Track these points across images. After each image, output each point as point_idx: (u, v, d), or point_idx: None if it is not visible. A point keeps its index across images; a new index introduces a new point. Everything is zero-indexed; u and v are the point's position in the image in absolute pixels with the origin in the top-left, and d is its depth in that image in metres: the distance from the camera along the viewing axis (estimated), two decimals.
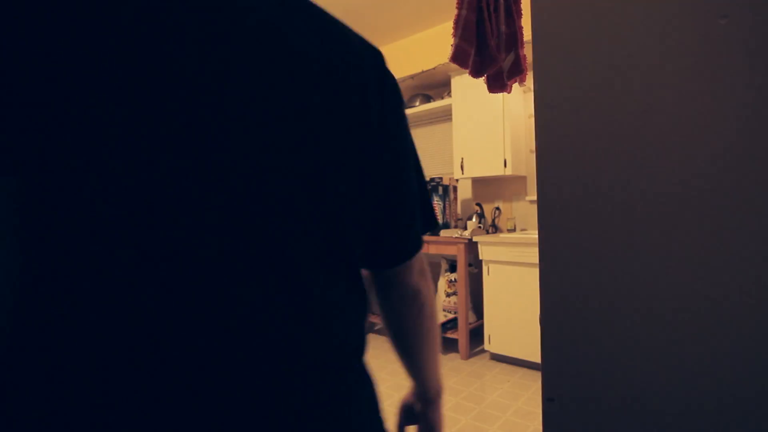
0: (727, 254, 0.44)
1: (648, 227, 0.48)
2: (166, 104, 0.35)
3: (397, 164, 0.53)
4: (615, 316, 0.51)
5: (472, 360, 2.90)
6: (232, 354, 0.37)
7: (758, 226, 0.43)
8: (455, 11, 1.38)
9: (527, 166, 3.11)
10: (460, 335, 2.93)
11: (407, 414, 0.70)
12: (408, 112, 3.52)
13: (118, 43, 0.34)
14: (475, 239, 2.87)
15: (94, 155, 0.34)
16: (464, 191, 3.59)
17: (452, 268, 3.31)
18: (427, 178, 3.50)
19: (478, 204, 3.28)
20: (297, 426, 0.41)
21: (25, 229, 0.34)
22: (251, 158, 0.39)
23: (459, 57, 1.38)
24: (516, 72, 1.44)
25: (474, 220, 3.17)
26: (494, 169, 3.02)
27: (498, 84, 1.50)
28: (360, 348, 0.49)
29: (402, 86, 3.69)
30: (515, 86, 2.64)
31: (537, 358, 2.58)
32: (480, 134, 3.09)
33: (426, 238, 3.03)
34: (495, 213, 3.30)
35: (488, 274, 2.82)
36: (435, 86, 3.68)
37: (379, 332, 3.63)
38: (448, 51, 1.40)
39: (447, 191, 3.34)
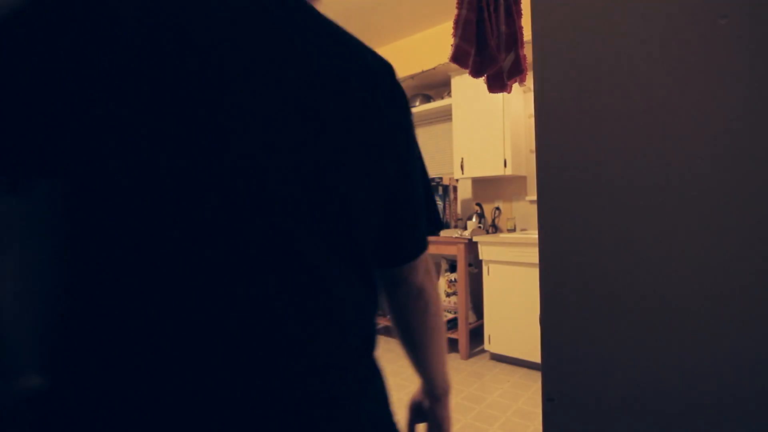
0: (727, 254, 0.44)
1: (648, 227, 0.48)
2: (175, 108, 0.37)
3: (404, 170, 0.55)
4: (615, 316, 0.51)
5: (472, 360, 2.90)
6: (246, 348, 0.39)
7: (758, 226, 0.43)
8: (455, 11, 1.38)
9: (527, 166, 3.11)
10: (460, 335, 2.93)
11: (416, 412, 0.71)
12: None
13: (126, 48, 0.35)
14: (475, 239, 2.87)
15: (107, 157, 0.35)
16: (464, 191, 3.59)
17: (452, 268, 3.31)
18: None
19: (478, 204, 3.28)
20: (309, 419, 0.42)
21: (71, 225, 0.37)
22: (260, 159, 0.40)
23: (459, 57, 1.38)
24: (516, 72, 1.44)
25: (474, 220, 3.17)
26: (494, 169, 3.02)
27: (498, 84, 1.50)
28: (371, 342, 0.51)
29: (402, 86, 3.68)
30: (515, 86, 2.64)
31: (537, 358, 2.58)
32: (480, 134, 3.09)
33: None
34: (495, 213, 3.30)
35: (488, 274, 2.82)
36: (435, 86, 3.68)
37: (378, 332, 3.63)
38: (448, 51, 1.40)
39: (447, 191, 3.34)
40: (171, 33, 0.37)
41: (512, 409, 2.19)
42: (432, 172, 3.84)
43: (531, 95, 3.06)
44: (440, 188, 3.29)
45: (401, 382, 2.56)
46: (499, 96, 2.90)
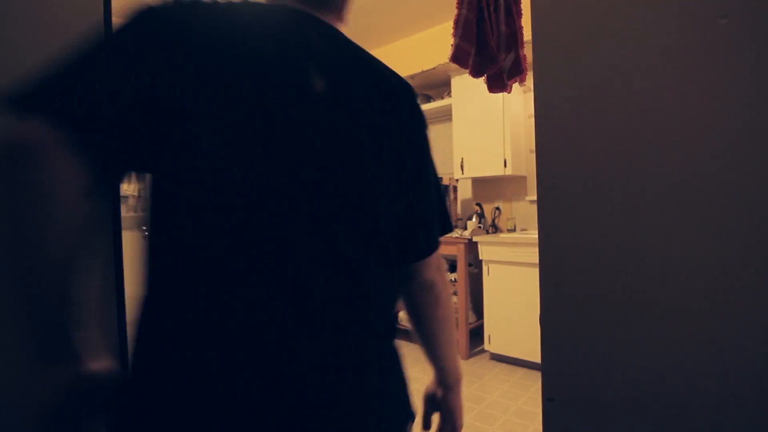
0: (727, 254, 0.44)
1: (648, 227, 0.48)
2: (241, 124, 0.47)
3: (420, 177, 0.64)
4: (615, 316, 0.51)
5: (472, 360, 2.90)
6: (301, 323, 0.48)
7: (758, 226, 0.43)
8: (455, 11, 1.38)
9: (527, 166, 3.11)
10: (460, 335, 2.93)
11: (430, 402, 0.77)
12: None
13: (205, 79, 0.46)
14: (475, 239, 2.87)
15: (191, 158, 0.45)
16: (464, 191, 3.59)
17: (452, 268, 3.30)
18: None
19: (478, 204, 3.27)
20: (346, 380, 0.51)
21: (155, 210, 0.48)
22: (308, 170, 0.50)
23: (459, 57, 1.38)
24: (516, 72, 1.44)
25: (474, 220, 3.17)
26: (494, 169, 3.02)
27: (498, 84, 1.50)
28: (393, 326, 0.60)
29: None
30: (515, 86, 2.64)
31: (537, 358, 2.57)
32: (480, 134, 3.08)
33: None
34: (495, 213, 3.29)
35: (488, 274, 2.82)
36: (435, 86, 3.67)
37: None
38: (448, 51, 1.40)
39: (447, 191, 3.33)
40: (237, 65, 0.47)
41: (512, 409, 2.19)
42: None
43: (531, 95, 3.06)
44: None
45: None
46: (499, 96, 2.89)
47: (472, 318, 3.16)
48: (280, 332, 0.47)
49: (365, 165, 0.54)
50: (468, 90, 3.12)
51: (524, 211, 3.24)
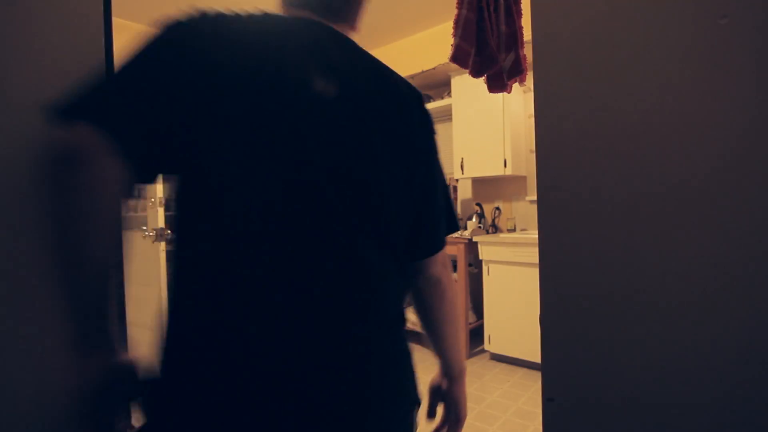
0: (727, 254, 0.44)
1: (648, 227, 0.48)
2: (264, 130, 0.51)
3: (428, 179, 0.69)
4: (615, 316, 0.51)
5: (472, 360, 2.90)
6: (321, 313, 0.52)
7: (758, 226, 0.43)
8: (455, 11, 1.38)
9: (527, 166, 3.10)
10: (461, 335, 2.92)
11: (436, 393, 0.81)
12: None
13: (230, 90, 0.50)
14: (475, 239, 2.87)
15: (218, 161, 0.50)
16: (464, 191, 3.59)
17: (452, 267, 3.30)
18: None
19: (478, 204, 3.28)
20: (361, 363, 0.55)
21: (181, 210, 0.52)
22: (326, 172, 0.53)
23: (459, 57, 1.38)
24: (516, 72, 1.44)
25: (474, 220, 3.17)
26: (494, 169, 3.02)
27: (498, 84, 1.50)
28: (402, 317, 0.64)
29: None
30: (515, 86, 2.64)
31: (537, 358, 2.57)
32: (480, 134, 3.08)
33: None
34: (495, 213, 3.29)
35: (488, 274, 2.82)
36: (435, 86, 3.67)
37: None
38: (448, 51, 1.40)
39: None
40: (260, 74, 0.51)
41: (512, 409, 2.19)
42: None
43: (531, 95, 3.05)
44: None
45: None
46: (499, 96, 2.89)
47: (472, 318, 3.16)
48: (303, 322, 0.51)
49: (377, 168, 0.58)
50: (468, 90, 3.12)
51: (524, 211, 3.24)
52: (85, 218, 0.45)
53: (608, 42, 0.51)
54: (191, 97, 0.49)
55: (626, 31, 0.49)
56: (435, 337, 0.77)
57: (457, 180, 3.48)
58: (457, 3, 1.37)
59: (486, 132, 3.04)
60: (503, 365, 2.78)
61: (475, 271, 3.34)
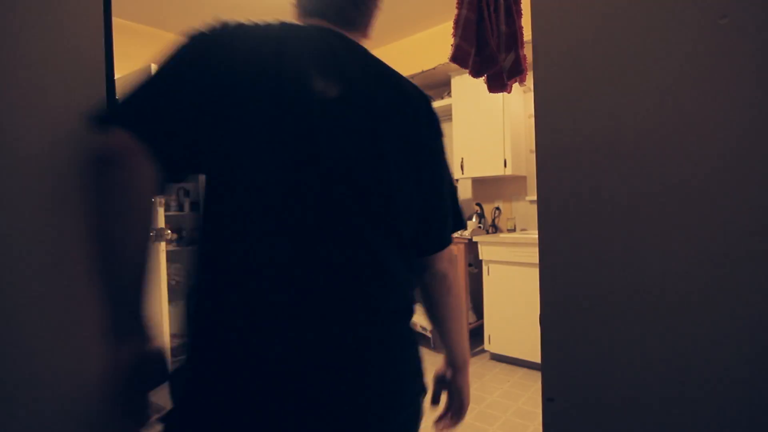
0: (727, 254, 0.44)
1: (648, 227, 0.48)
2: (280, 131, 0.55)
3: (436, 179, 0.72)
4: (615, 316, 0.51)
5: (472, 360, 2.90)
6: (330, 301, 0.55)
7: (758, 226, 0.43)
8: (455, 11, 1.38)
9: (527, 166, 3.10)
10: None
11: (440, 382, 0.85)
12: None
13: (246, 94, 0.54)
14: (475, 239, 2.87)
15: (238, 161, 0.54)
16: (464, 191, 3.59)
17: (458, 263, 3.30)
18: None
19: (478, 204, 3.28)
20: (368, 349, 0.58)
21: (206, 209, 0.56)
22: (338, 169, 0.57)
23: (459, 57, 1.38)
24: (516, 72, 1.44)
25: (474, 220, 3.17)
26: (494, 169, 3.02)
27: (498, 84, 1.50)
28: (410, 308, 0.67)
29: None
30: (515, 86, 2.64)
31: (537, 358, 2.57)
32: (480, 134, 3.08)
33: None
34: (495, 213, 3.29)
35: (488, 274, 2.82)
36: (435, 86, 3.67)
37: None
38: (448, 51, 1.40)
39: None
40: (278, 80, 0.55)
41: (512, 409, 2.19)
42: None
43: (531, 95, 3.05)
44: None
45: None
46: (499, 96, 2.89)
47: (472, 318, 3.16)
48: (318, 318, 0.54)
49: (388, 168, 0.61)
50: (468, 90, 3.12)
51: (524, 211, 3.24)
52: (122, 213, 0.49)
53: (608, 42, 0.51)
54: (215, 104, 0.53)
55: (626, 31, 0.49)
56: (441, 329, 0.81)
57: (457, 180, 3.48)
58: (457, 3, 1.37)
59: (486, 132, 3.04)
60: (503, 365, 2.78)
61: (475, 271, 3.33)
